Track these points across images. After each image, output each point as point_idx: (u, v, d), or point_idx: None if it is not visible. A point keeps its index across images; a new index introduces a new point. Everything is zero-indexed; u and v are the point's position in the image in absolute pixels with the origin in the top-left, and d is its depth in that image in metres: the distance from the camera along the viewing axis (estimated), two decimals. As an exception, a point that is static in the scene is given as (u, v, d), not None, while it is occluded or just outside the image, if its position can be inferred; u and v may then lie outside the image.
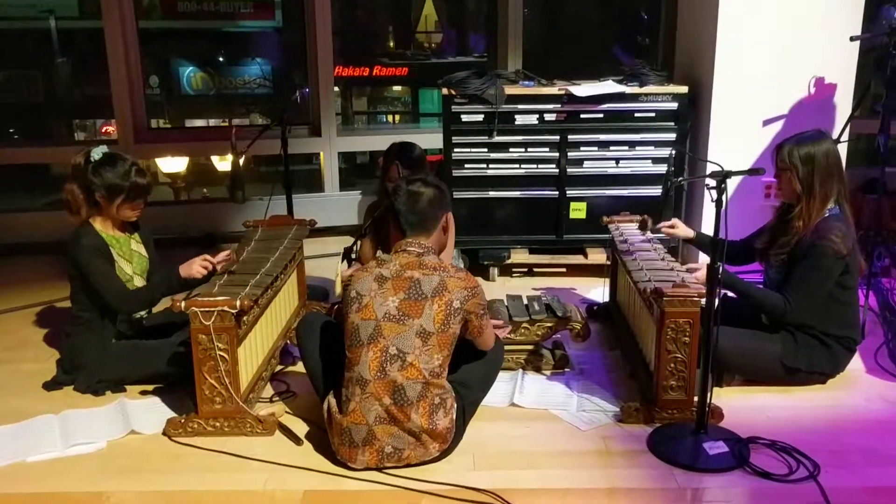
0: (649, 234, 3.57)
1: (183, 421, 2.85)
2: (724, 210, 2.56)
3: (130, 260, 3.27)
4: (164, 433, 2.86)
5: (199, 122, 12.84)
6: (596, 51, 8.71)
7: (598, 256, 4.47)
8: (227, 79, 11.95)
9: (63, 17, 10.37)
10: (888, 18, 3.58)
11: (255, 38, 11.06)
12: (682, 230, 3.42)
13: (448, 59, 9.77)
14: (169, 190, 9.74)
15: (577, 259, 4.60)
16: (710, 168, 2.69)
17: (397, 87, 12.86)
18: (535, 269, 4.67)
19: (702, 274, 3.12)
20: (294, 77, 10.58)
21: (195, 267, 3.12)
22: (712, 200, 2.56)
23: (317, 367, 2.85)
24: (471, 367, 2.80)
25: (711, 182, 2.59)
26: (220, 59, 11.88)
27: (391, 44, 11.33)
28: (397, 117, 13.57)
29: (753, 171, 2.64)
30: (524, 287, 4.43)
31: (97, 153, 3.12)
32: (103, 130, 11.92)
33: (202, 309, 2.73)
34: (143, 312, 3.33)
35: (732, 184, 4.21)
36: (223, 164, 7.57)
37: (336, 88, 11.16)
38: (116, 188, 3.09)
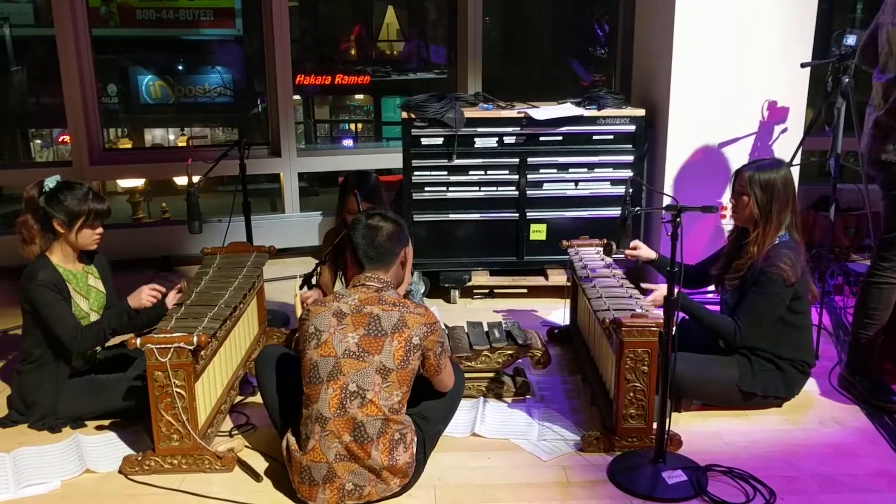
0: (610, 260, 3.61)
1: (139, 458, 2.81)
2: (680, 239, 2.60)
3: (87, 296, 3.19)
4: (120, 471, 2.81)
5: (158, 131, 12.70)
6: (555, 65, 8.80)
7: (558, 278, 4.51)
8: (187, 87, 11.83)
9: (18, 25, 10.18)
10: (843, 45, 3.66)
11: (215, 47, 10.97)
12: (645, 251, 3.46)
13: (409, 75, 9.76)
14: (127, 204, 9.61)
15: (538, 280, 4.62)
16: (665, 201, 2.72)
17: (359, 96, 12.85)
18: (496, 291, 4.68)
19: (658, 295, 3.18)
20: (255, 86, 10.53)
21: (143, 296, 3.07)
22: (668, 234, 2.59)
23: (275, 403, 2.83)
24: (432, 400, 2.80)
25: (667, 216, 2.62)
26: (180, 67, 11.76)
27: (353, 52, 11.32)
28: (359, 126, 13.55)
29: (707, 209, 2.68)
30: (485, 309, 4.46)
31: (51, 182, 3.06)
32: (60, 140, 11.74)
33: (158, 346, 2.69)
34: (97, 347, 3.27)
35: (690, 203, 4.30)
36: (182, 178, 7.49)
37: (297, 97, 11.13)
38: (75, 213, 3.03)
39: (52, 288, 3.01)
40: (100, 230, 3.14)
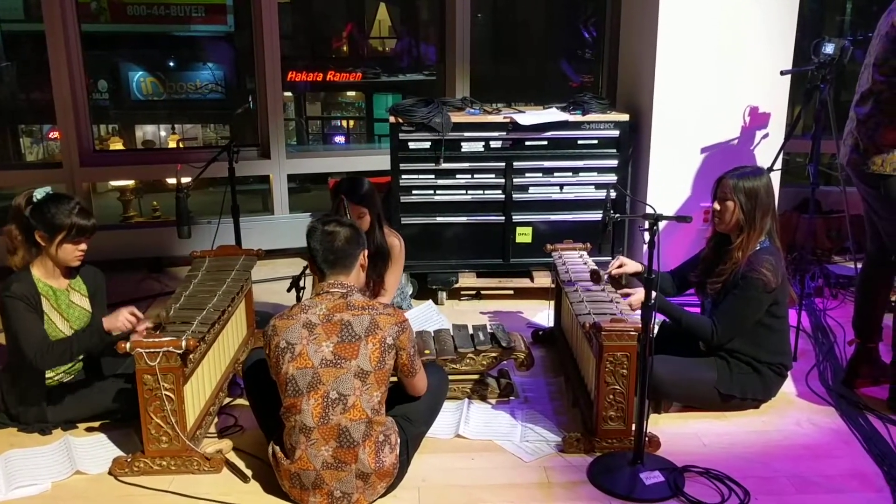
0: (593, 264, 3.67)
1: (129, 460, 2.86)
2: (658, 245, 2.66)
3: (67, 315, 3.15)
4: (109, 473, 2.86)
5: (149, 128, 12.66)
6: (545, 65, 8.84)
7: (544, 280, 4.57)
8: (178, 84, 11.80)
9: (7, 20, 10.13)
10: (821, 53, 3.72)
11: (206, 43, 10.95)
12: (631, 266, 3.49)
13: (399, 76, 9.79)
14: (118, 202, 9.60)
15: (524, 282, 4.69)
16: (643, 210, 2.79)
17: (351, 93, 12.84)
18: (483, 293, 4.74)
19: (636, 299, 3.24)
20: (247, 83, 10.52)
21: (121, 319, 2.95)
22: (644, 242, 2.66)
23: (263, 408, 2.87)
24: (414, 402, 2.84)
25: (645, 224, 2.68)
26: (171, 63, 11.73)
27: (345, 48, 11.31)
28: (352, 122, 13.54)
29: (682, 219, 2.75)
30: (472, 310, 4.52)
31: (39, 193, 3.04)
32: (50, 136, 11.70)
33: (147, 350, 2.74)
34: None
35: (673, 207, 4.37)
36: (173, 178, 7.48)
37: (289, 94, 11.13)
38: (57, 226, 3.00)
39: (22, 300, 2.97)
40: (83, 246, 3.08)
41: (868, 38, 3.28)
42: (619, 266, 3.49)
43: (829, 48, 3.71)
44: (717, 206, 3.24)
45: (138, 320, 2.99)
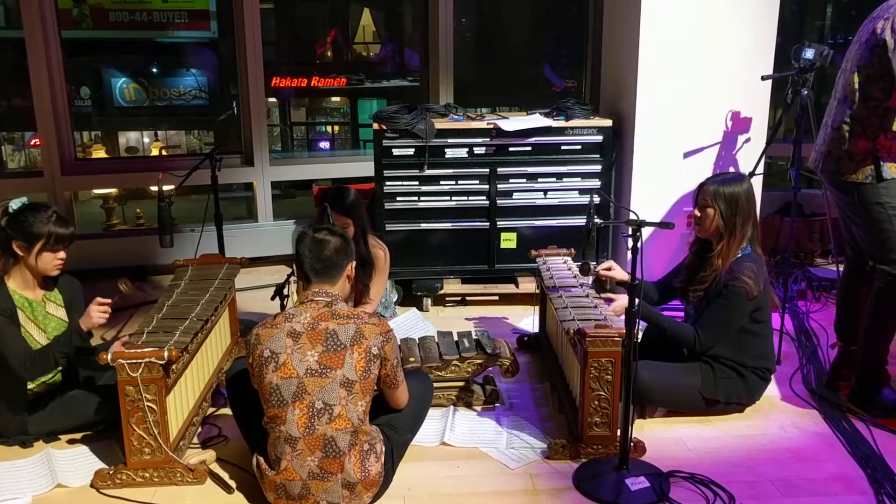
0: (590, 279, 3.66)
1: (111, 472, 2.83)
2: (641, 252, 2.67)
3: (45, 327, 3.12)
4: (91, 485, 2.83)
5: (133, 135, 12.59)
6: (529, 69, 8.86)
7: (528, 285, 4.57)
8: (162, 90, 11.72)
9: (-11, 27, 10.04)
10: (801, 58, 3.75)
11: (190, 49, 10.88)
12: (618, 273, 3.49)
13: (383, 82, 9.79)
14: (101, 210, 9.53)
15: (509, 288, 4.68)
16: (627, 215, 2.80)
17: (336, 98, 12.82)
18: (468, 299, 4.74)
19: (619, 305, 3.24)
20: (230, 88, 10.47)
21: (94, 316, 2.99)
22: (628, 248, 2.66)
23: (247, 418, 2.85)
24: (398, 410, 2.83)
25: (628, 230, 2.69)
26: (154, 69, 11.66)
27: (329, 53, 11.30)
28: (336, 128, 13.52)
29: (664, 225, 2.76)
30: (457, 316, 4.52)
31: (15, 203, 3.02)
32: (32, 143, 11.61)
33: (129, 361, 2.72)
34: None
35: (656, 211, 4.39)
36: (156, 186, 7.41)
37: (273, 99, 11.09)
38: (35, 235, 2.98)
39: (0, 314, 2.96)
40: (62, 255, 3.06)
41: (848, 42, 3.30)
42: (609, 269, 3.49)
43: (809, 53, 3.74)
44: (697, 212, 3.26)
45: (109, 305, 3.00)
